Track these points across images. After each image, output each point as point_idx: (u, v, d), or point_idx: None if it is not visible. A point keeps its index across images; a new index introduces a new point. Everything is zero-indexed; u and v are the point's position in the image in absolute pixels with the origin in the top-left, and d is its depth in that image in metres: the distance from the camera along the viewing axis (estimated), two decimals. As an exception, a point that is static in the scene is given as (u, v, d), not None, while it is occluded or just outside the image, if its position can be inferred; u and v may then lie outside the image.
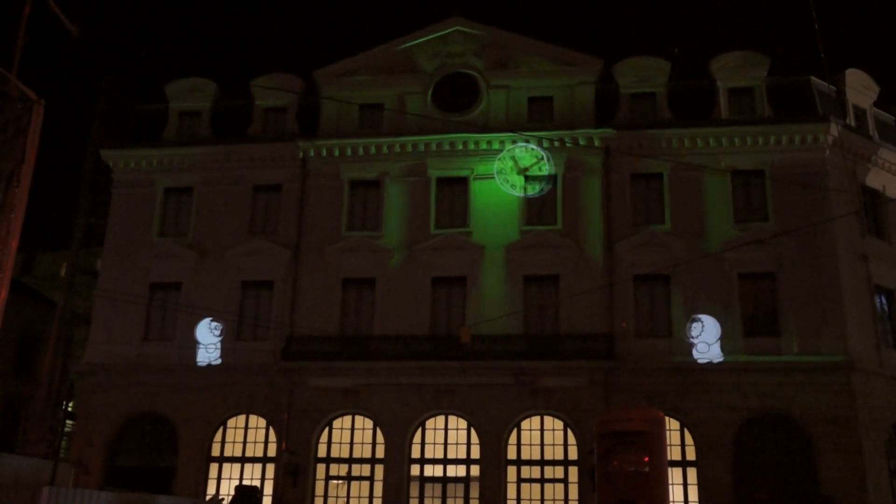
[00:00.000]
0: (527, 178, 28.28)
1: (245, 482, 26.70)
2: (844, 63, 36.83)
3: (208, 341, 28.19)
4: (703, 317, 26.26)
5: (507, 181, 28.25)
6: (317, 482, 27.14)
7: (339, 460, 27.38)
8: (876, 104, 30.44)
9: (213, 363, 28.06)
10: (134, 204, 30.85)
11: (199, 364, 28.10)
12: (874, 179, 29.04)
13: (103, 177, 31.74)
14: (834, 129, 27.69)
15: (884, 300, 28.01)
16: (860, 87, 30.01)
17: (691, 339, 26.11)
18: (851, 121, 29.20)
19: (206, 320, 28.30)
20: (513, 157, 28.41)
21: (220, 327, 28.24)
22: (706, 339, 26.02)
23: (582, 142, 28.27)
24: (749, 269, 27.06)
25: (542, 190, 27.97)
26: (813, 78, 29.23)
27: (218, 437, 28.25)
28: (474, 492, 26.20)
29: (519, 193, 28.28)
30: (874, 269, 27.68)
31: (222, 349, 28.20)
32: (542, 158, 28.17)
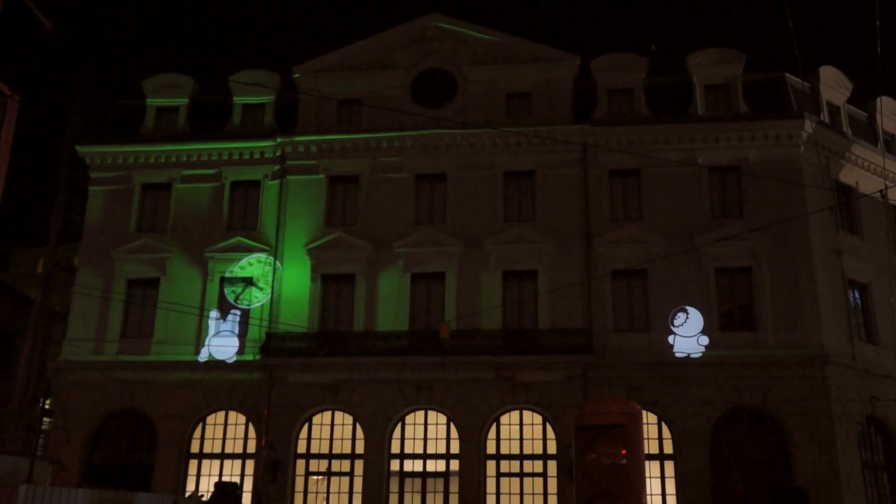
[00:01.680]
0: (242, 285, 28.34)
1: (224, 479, 26.69)
2: (818, 60, 37.38)
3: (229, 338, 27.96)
4: (689, 308, 26.49)
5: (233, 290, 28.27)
6: (297, 478, 27.16)
7: (319, 456, 27.40)
8: (849, 101, 30.86)
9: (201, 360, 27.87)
10: (111, 200, 30.68)
11: (231, 361, 27.60)
12: (847, 175, 29.42)
13: (80, 172, 31.53)
14: (808, 125, 28.02)
15: (857, 294, 28.42)
16: (834, 84, 30.39)
17: (673, 329, 26.29)
18: (825, 117, 29.58)
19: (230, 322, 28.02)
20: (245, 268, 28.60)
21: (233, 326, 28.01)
22: (688, 331, 26.21)
23: (560, 137, 28.44)
24: (725, 264, 27.35)
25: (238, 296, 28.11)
26: (788, 75, 29.58)
27: (197, 433, 28.19)
28: (454, 486, 26.32)
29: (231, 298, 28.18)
30: (847, 263, 28.06)
31: (202, 345, 28.09)
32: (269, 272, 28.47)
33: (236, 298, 28.05)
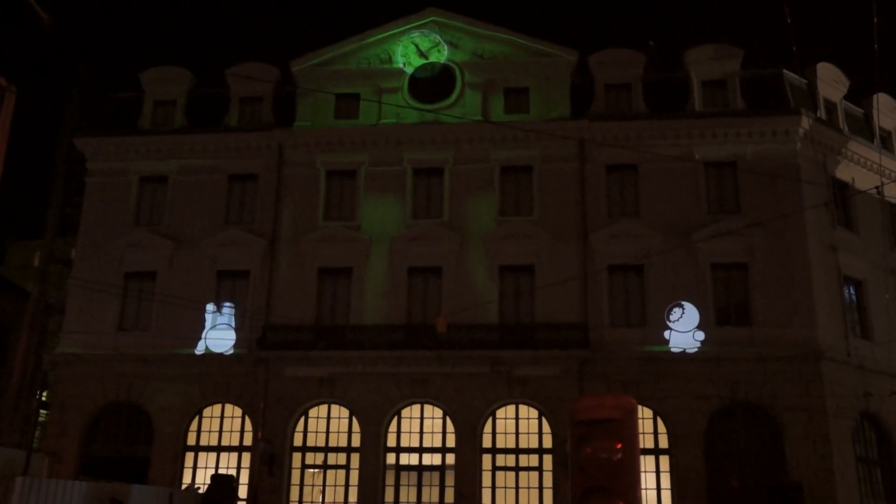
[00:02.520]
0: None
1: (221, 471, 26.72)
2: (816, 57, 37.35)
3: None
4: (685, 303, 26.60)
5: (409, 63, 30.23)
6: (293, 471, 27.20)
7: (315, 449, 27.46)
8: (846, 98, 30.87)
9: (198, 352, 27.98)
10: (108, 193, 30.66)
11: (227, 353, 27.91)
12: (844, 172, 29.48)
13: (77, 165, 31.52)
14: (805, 121, 28.06)
15: (852, 290, 28.50)
16: (831, 81, 30.42)
17: (669, 324, 26.41)
18: (822, 114, 29.62)
19: (225, 318, 28.25)
20: (414, 44, 30.28)
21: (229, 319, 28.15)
22: (683, 326, 26.33)
23: (557, 132, 28.44)
24: (721, 260, 27.39)
25: (433, 72, 30.04)
26: (785, 71, 29.60)
27: (193, 426, 28.22)
28: (450, 480, 26.40)
29: (410, 71, 30.26)
30: (843, 259, 28.14)
31: (198, 338, 28.10)
32: (440, 43, 30.11)
33: (404, 64, 30.26)
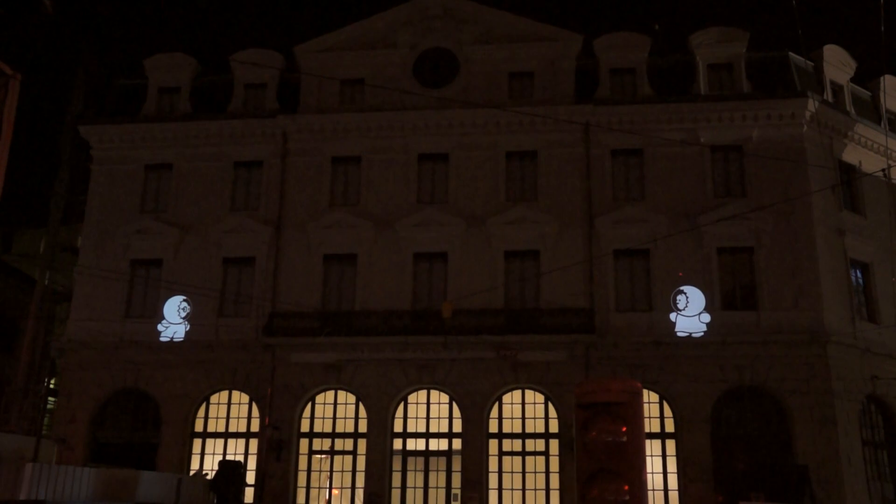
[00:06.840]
0: None
1: (228, 457, 26.86)
2: (822, 39, 37.10)
3: (175, 320, 28.36)
4: (691, 288, 26.61)
5: None
6: (300, 457, 27.35)
7: (322, 435, 27.57)
8: (853, 80, 30.66)
9: (177, 340, 28.21)
10: (114, 180, 30.69)
11: (162, 340, 28.27)
12: (850, 155, 29.34)
13: (82, 153, 31.52)
14: (811, 104, 27.91)
15: (859, 274, 28.42)
16: (838, 63, 30.23)
17: (675, 308, 26.45)
18: (829, 96, 29.44)
19: (177, 299, 28.44)
20: None
21: (188, 309, 28.37)
22: (689, 311, 26.37)
23: (562, 117, 28.34)
24: (727, 244, 27.33)
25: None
26: (791, 54, 29.41)
27: (201, 412, 28.34)
28: (456, 465, 26.49)
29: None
30: (850, 243, 28.04)
31: (204, 326, 28.23)
32: None
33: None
